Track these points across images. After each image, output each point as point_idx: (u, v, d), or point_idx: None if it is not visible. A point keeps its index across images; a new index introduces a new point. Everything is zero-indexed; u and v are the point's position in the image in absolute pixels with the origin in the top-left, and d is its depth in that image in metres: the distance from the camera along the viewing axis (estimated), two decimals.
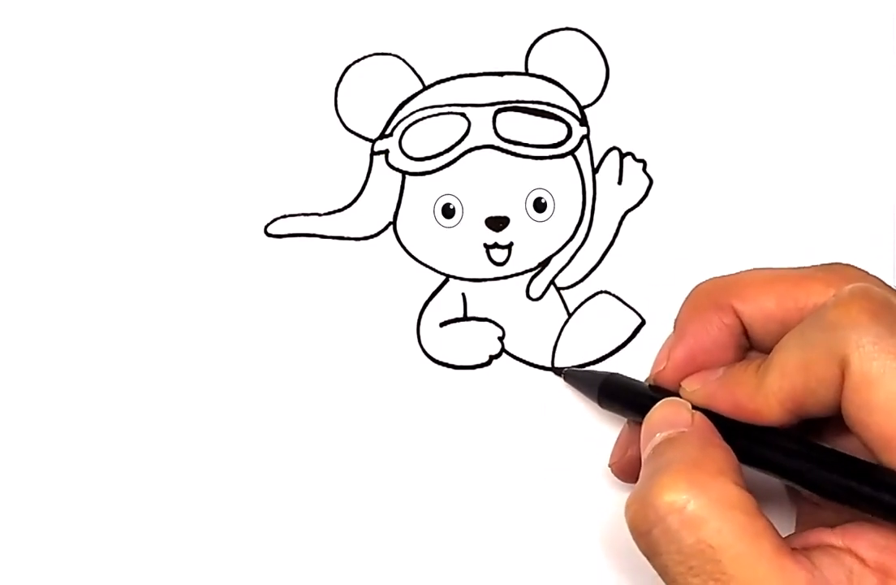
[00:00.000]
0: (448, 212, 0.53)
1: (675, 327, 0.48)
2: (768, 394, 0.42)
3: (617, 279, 0.53)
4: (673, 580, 0.40)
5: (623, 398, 0.49)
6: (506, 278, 0.53)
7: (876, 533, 0.40)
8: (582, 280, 0.53)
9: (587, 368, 0.52)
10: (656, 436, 0.43)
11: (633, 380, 0.50)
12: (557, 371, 0.52)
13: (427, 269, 0.53)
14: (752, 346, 0.47)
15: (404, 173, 0.53)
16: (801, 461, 0.42)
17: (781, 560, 0.38)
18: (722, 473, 0.40)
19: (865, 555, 0.40)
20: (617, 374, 0.50)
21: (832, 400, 0.41)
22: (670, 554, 0.39)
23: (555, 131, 0.53)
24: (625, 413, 0.49)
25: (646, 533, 0.40)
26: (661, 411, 0.45)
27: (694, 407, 0.45)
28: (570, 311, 0.53)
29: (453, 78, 0.53)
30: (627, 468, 0.49)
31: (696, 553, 0.39)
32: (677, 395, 0.46)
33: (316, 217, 0.53)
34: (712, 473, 0.40)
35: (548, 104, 0.53)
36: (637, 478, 0.47)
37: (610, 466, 0.50)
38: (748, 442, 0.43)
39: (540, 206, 0.53)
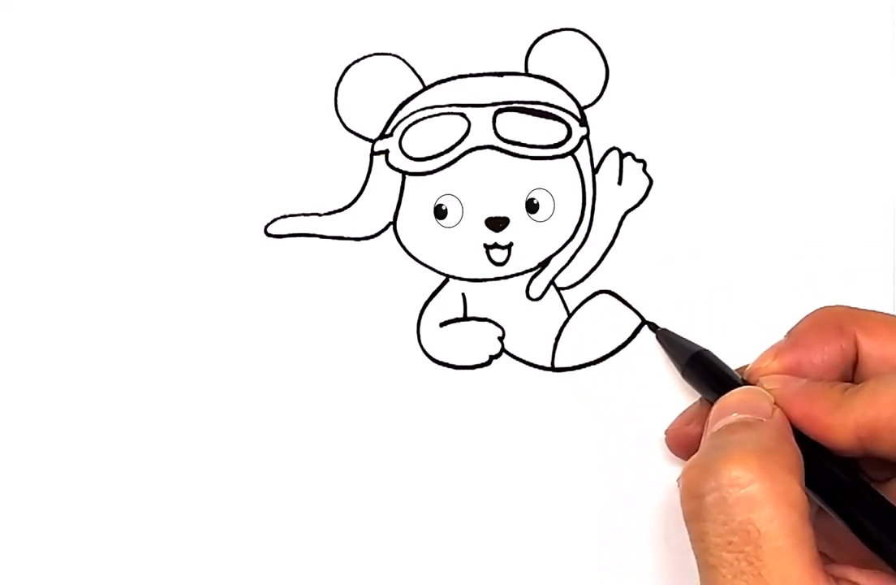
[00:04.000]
0: (448, 212, 0.53)
1: (790, 334, 0.47)
2: (848, 415, 0.42)
3: (617, 279, 0.53)
4: (705, 549, 0.39)
5: (707, 376, 0.48)
6: (506, 278, 0.53)
7: None
8: (582, 280, 0.53)
9: (683, 338, 0.51)
10: (732, 415, 0.43)
11: (723, 363, 0.49)
12: (652, 327, 0.52)
13: (427, 269, 0.53)
14: (853, 379, 0.46)
15: (404, 173, 0.53)
16: (851, 499, 0.41)
17: (815, 571, 0.38)
18: (791, 472, 0.40)
19: None
20: (709, 351, 0.49)
21: None
22: (715, 524, 0.39)
23: (554, 132, 0.53)
24: (703, 391, 0.48)
25: (698, 497, 0.40)
26: (742, 395, 0.45)
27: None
28: (570, 311, 0.53)
29: (453, 78, 0.53)
30: (682, 441, 0.49)
31: (741, 531, 0.38)
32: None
33: (316, 217, 0.53)
34: (783, 467, 0.40)
35: (547, 105, 0.53)
36: (687, 453, 0.47)
37: (665, 433, 0.50)
38: (806, 458, 0.42)
39: (540, 206, 0.53)
